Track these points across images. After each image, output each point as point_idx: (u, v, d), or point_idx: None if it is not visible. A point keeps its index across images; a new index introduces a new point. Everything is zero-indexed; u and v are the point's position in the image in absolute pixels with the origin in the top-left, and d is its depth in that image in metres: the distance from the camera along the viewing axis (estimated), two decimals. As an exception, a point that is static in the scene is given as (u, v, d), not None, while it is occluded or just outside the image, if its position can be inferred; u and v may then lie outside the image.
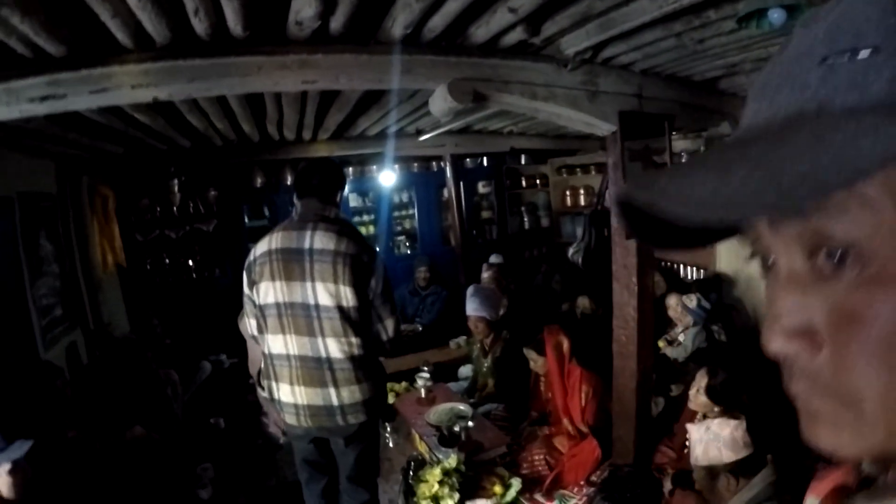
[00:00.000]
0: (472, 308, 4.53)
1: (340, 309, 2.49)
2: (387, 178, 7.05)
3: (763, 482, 2.22)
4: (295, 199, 2.70)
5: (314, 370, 2.54)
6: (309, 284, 2.48)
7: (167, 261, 6.19)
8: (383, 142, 5.28)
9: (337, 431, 2.67)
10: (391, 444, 4.30)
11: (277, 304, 2.54)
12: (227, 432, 4.22)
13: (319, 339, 2.51)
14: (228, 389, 5.05)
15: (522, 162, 8.29)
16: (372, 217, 7.54)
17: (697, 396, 3.11)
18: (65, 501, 2.63)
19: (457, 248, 6.72)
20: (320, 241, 2.50)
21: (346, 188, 2.77)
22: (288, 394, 2.62)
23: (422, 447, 3.87)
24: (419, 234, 7.81)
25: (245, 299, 2.72)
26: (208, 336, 5.76)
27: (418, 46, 2.46)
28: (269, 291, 2.55)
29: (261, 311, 2.61)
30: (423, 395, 4.42)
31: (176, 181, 6.01)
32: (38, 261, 3.82)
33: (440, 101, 2.52)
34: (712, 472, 2.32)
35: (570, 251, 4.20)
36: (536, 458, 3.73)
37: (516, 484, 3.39)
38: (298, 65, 2.25)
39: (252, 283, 2.62)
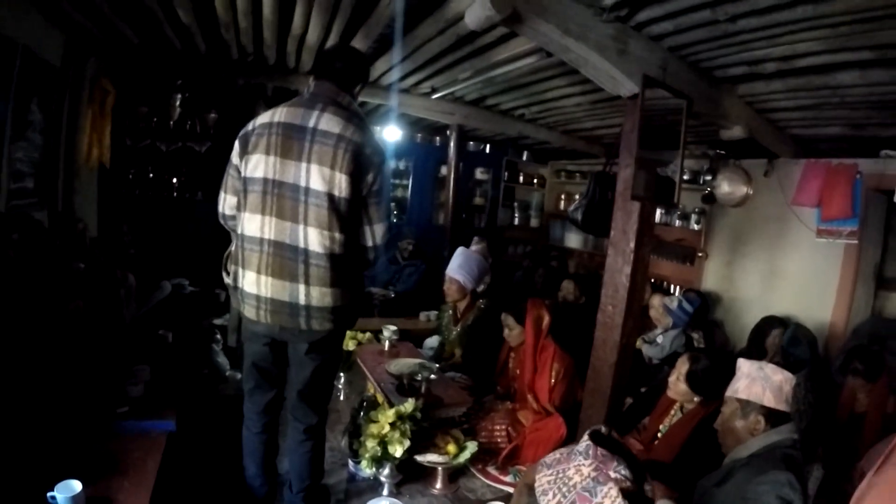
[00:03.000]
0: (453, 268, 4.47)
1: (331, 197, 2.28)
2: (391, 133, 6.90)
3: (788, 433, 2.21)
4: (311, 80, 2.53)
5: (288, 261, 2.33)
6: (304, 165, 2.28)
7: (151, 174, 6.03)
8: (394, 95, 5.23)
9: (298, 336, 2.46)
10: (342, 397, 4.17)
11: (265, 181, 2.33)
12: (173, 347, 4.03)
13: (301, 227, 2.30)
14: (184, 314, 4.88)
15: (524, 158, 8.26)
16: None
17: (677, 384, 3.06)
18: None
19: (445, 228, 6.64)
20: (327, 122, 2.31)
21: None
22: (252, 283, 2.40)
23: (378, 397, 3.74)
24: (409, 206, 7.69)
25: (229, 169, 2.51)
26: (175, 259, 5.63)
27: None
28: (259, 164, 2.35)
29: (244, 184, 2.40)
30: (386, 347, 4.32)
31: (179, 96, 5.87)
32: (24, 124, 3.63)
33: (479, 9, 2.46)
34: (746, 408, 2.27)
35: (571, 209, 4.12)
36: (497, 428, 3.62)
37: (472, 447, 3.23)
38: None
39: (243, 153, 2.41)
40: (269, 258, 2.36)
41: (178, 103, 5.90)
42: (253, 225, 2.38)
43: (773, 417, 2.23)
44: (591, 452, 1.99)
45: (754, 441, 2.23)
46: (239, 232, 2.46)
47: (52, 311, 2.93)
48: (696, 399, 3.04)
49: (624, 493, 1.80)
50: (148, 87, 5.73)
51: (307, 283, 2.34)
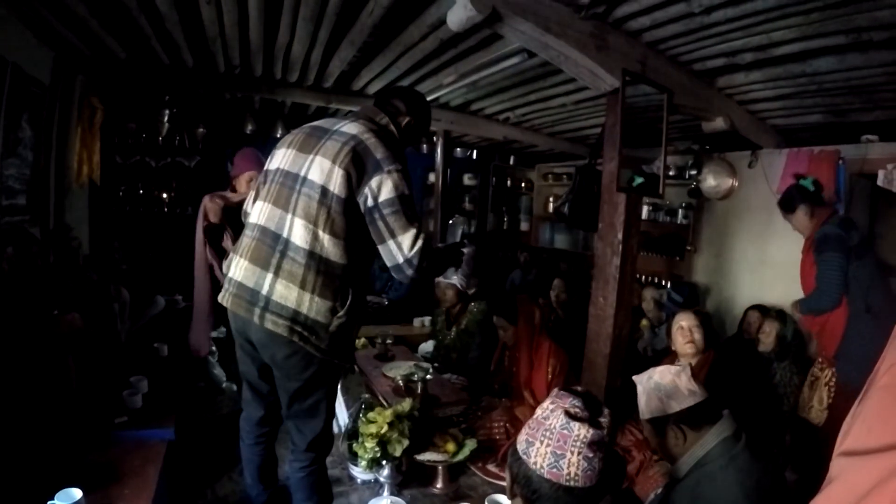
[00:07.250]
0: (447, 274, 4.45)
1: (324, 191, 2.16)
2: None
3: (717, 437, 1.97)
4: None
5: (267, 247, 2.23)
6: (311, 157, 2.24)
7: (141, 191, 6.06)
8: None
9: (258, 335, 2.28)
10: (339, 404, 4.19)
11: (276, 171, 2.34)
12: (168, 360, 4.05)
13: (289, 217, 2.21)
14: (179, 328, 4.87)
15: (511, 162, 8.34)
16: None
17: (694, 333, 3.12)
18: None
19: (434, 235, 6.68)
20: (349, 126, 2.29)
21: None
22: (233, 266, 2.33)
23: (376, 400, 3.76)
24: (399, 214, 7.66)
25: None
26: (168, 275, 5.58)
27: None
28: (276, 156, 2.39)
29: (264, 176, 2.43)
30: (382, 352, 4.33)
31: (167, 112, 5.93)
32: (16, 140, 3.66)
33: (460, 10, 2.52)
34: (658, 426, 2.06)
35: (557, 204, 4.18)
36: (496, 425, 3.62)
37: (471, 444, 3.26)
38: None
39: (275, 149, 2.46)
40: (252, 242, 2.30)
41: (166, 119, 5.95)
42: (255, 212, 2.38)
43: (689, 419, 2.01)
44: (554, 392, 1.84)
45: (684, 459, 2.02)
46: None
47: (47, 322, 2.94)
48: (700, 354, 3.10)
49: (568, 413, 1.65)
50: (136, 103, 5.77)
51: (276, 273, 2.19)
